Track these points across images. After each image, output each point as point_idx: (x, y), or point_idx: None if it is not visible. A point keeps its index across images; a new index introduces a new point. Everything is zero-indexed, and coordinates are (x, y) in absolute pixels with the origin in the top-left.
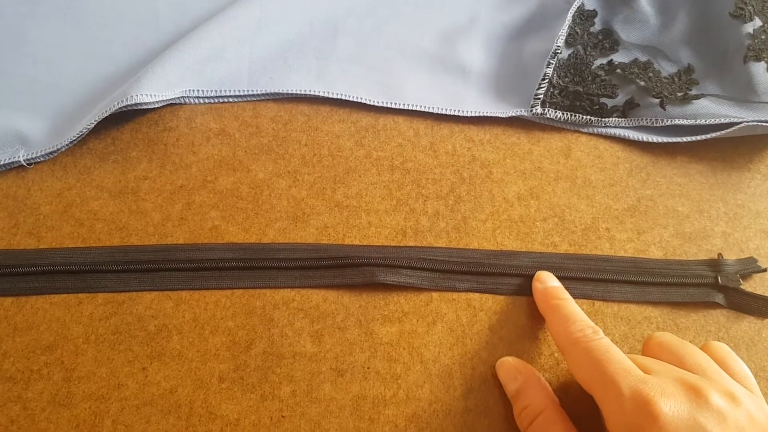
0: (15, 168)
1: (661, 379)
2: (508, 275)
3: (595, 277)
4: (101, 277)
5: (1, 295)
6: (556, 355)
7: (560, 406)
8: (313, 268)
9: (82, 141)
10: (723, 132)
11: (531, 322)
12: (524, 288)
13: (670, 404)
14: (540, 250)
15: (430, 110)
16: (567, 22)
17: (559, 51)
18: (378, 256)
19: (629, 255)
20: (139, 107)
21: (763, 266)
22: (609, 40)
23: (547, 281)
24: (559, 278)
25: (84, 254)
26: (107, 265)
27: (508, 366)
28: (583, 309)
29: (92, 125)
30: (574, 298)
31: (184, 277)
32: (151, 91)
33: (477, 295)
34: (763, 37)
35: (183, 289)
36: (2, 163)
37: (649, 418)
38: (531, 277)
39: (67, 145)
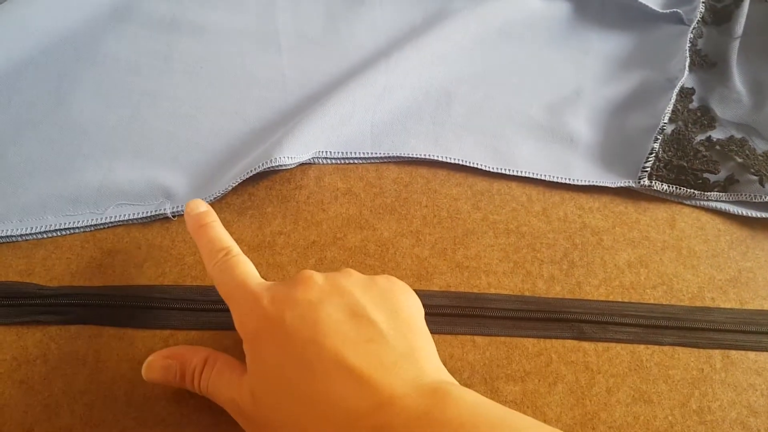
0: (159, 219)
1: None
2: (706, 330)
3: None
4: None
5: (189, 329)
6: (670, 418)
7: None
8: (524, 319)
9: (222, 196)
10: None
11: (646, 386)
12: (721, 343)
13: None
14: None
15: (542, 177)
16: (672, 99)
17: (665, 127)
18: (584, 311)
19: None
20: (279, 168)
21: None
22: (707, 117)
23: (196, 208)
24: (742, 332)
25: None
26: None
27: (157, 360)
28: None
29: (237, 183)
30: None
31: None
32: (291, 154)
33: (594, 358)
34: None
35: None
36: (149, 214)
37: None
38: (728, 331)
39: (211, 200)
